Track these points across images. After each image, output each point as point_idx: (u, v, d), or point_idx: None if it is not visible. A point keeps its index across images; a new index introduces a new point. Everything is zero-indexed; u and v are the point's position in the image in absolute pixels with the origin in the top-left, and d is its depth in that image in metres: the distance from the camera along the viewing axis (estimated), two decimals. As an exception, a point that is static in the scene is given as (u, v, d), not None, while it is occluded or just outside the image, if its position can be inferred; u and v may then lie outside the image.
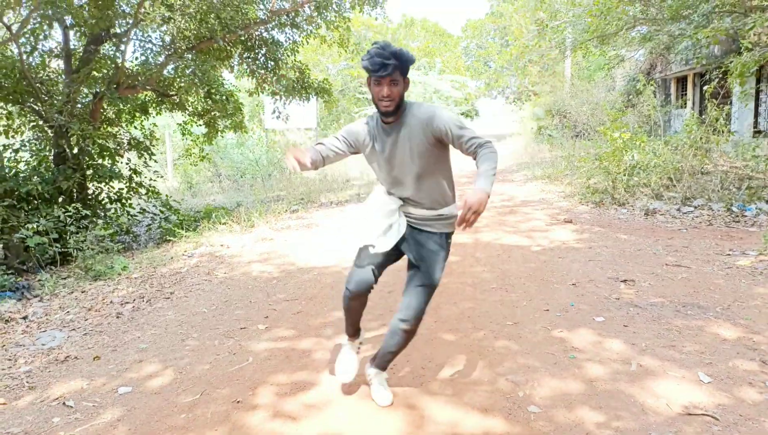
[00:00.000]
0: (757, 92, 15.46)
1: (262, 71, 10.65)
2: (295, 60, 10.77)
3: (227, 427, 2.62)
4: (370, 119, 2.61)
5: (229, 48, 10.05)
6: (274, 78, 10.61)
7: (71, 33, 9.12)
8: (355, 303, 2.73)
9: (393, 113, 2.44)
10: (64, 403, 2.91)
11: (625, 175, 9.01)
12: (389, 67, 2.33)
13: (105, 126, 9.63)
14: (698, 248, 5.70)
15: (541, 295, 4.39)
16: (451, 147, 2.53)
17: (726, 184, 8.74)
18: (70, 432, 2.62)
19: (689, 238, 6.18)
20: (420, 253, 2.62)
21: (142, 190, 9.57)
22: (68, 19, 8.44)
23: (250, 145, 17.90)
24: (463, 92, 24.89)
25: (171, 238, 7.64)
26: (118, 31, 9.34)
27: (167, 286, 5.17)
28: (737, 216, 7.22)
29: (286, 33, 10.88)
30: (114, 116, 10.12)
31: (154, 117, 11.03)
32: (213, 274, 5.53)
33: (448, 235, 2.68)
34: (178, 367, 3.33)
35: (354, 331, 2.93)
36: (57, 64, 9.54)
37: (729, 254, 5.41)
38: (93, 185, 9.07)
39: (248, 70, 10.71)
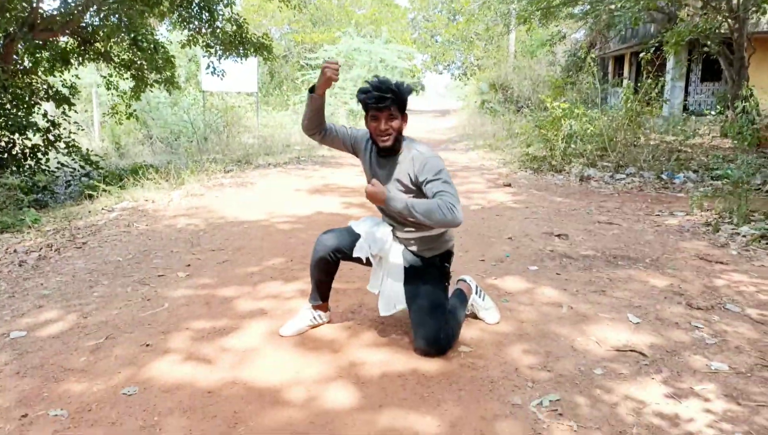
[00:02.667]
0: (688, 73, 16.12)
1: (196, 22, 10.01)
2: (232, 11, 10.18)
3: (132, 370, 2.37)
4: (369, 142, 2.54)
5: (159, -6, 9.35)
6: (209, 30, 10.00)
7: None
8: (316, 270, 2.65)
9: (391, 149, 2.40)
10: (-58, 349, 2.56)
11: (562, 143, 9.13)
12: (387, 100, 2.28)
13: (21, 76, 8.81)
14: (629, 210, 5.82)
15: (477, 247, 4.32)
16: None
17: (656, 155, 9.02)
18: (-54, 377, 2.30)
19: (621, 202, 6.31)
20: (413, 277, 2.55)
21: (61, 145, 8.84)
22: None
23: (185, 105, 17.01)
24: (410, 64, 24.66)
25: (92, 193, 7.08)
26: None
27: (80, 237, 4.75)
28: (666, 183, 7.45)
29: (222, -18, 10.24)
30: (31, 65, 9.26)
31: (77, 68, 10.19)
32: (133, 226, 5.14)
33: (446, 259, 2.67)
34: (83, 312, 3.02)
35: (319, 297, 2.74)
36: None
37: (658, 215, 5.54)
38: (4, 136, 8.30)
39: (180, 20, 10.03)
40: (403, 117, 2.39)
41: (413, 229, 2.53)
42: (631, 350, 2.53)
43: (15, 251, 4.28)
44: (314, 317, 2.76)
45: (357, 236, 2.56)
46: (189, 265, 3.89)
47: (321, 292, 2.72)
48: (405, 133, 2.49)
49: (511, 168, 9.17)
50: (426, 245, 2.57)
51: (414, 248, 2.58)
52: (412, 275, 2.55)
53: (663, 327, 2.79)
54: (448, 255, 2.67)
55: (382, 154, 2.45)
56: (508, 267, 3.81)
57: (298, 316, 2.76)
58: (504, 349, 2.55)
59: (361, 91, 2.32)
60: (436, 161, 2.34)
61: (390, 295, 2.53)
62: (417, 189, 2.39)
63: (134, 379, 2.30)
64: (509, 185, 7.49)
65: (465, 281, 2.84)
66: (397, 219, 2.53)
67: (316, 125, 2.54)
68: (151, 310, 3.05)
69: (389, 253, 2.56)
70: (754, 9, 10.52)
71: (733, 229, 4.80)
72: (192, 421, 1.99)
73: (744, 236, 4.56)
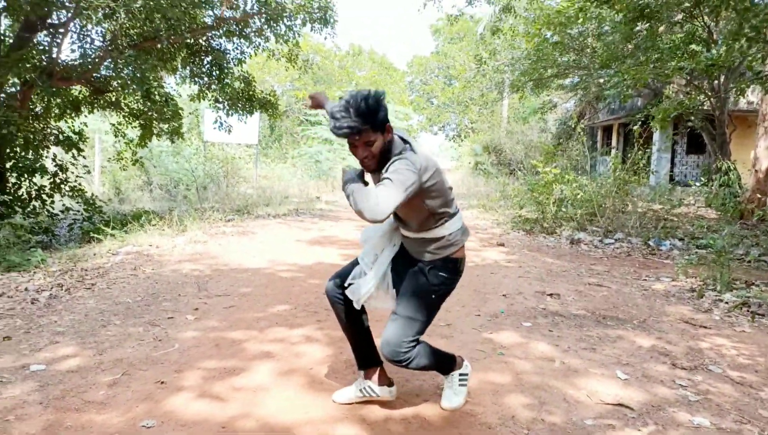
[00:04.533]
0: (674, 145, 16.83)
1: (206, 78, 10.49)
2: (241, 70, 10.68)
3: (149, 405, 2.50)
4: None
5: (173, 50, 9.86)
6: (219, 86, 10.46)
7: (2, 17, 8.67)
8: (334, 310, 2.52)
9: (378, 170, 2.21)
10: (-34, 378, 2.68)
11: (553, 206, 9.47)
12: (354, 130, 2.06)
13: (32, 120, 9.13)
14: (618, 273, 6.05)
15: (473, 302, 4.50)
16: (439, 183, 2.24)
17: (644, 222, 9.36)
18: (-28, 404, 2.42)
19: (610, 265, 6.55)
20: (401, 278, 2.40)
21: (66, 188, 9.07)
22: (1, 3, 8.04)
23: (186, 155, 17.40)
24: (407, 124, 25.48)
25: (96, 236, 7.24)
26: (55, 21, 8.97)
27: (89, 278, 4.89)
28: (653, 249, 7.73)
29: (234, 42, 10.81)
30: (42, 111, 9.61)
31: (86, 116, 10.56)
32: (140, 270, 5.30)
33: (441, 267, 2.34)
34: (98, 349, 3.15)
35: (360, 361, 2.56)
36: (-17, 48, 9.00)
37: (645, 279, 5.77)
38: (14, 178, 8.51)
39: (191, 76, 10.51)
40: (385, 131, 2.15)
41: (412, 228, 2.33)
42: (620, 404, 2.69)
43: (26, 290, 4.41)
44: (364, 389, 2.52)
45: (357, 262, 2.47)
46: (197, 308, 4.04)
47: (359, 352, 2.54)
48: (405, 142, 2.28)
49: (504, 228, 9.46)
50: (422, 247, 2.34)
51: (411, 249, 2.40)
52: (402, 276, 2.40)
53: (649, 384, 2.96)
54: (448, 262, 2.35)
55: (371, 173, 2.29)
56: (502, 322, 3.99)
57: (350, 386, 2.61)
58: (500, 398, 2.70)
59: (330, 123, 2.13)
60: (402, 163, 2.09)
61: (360, 281, 2.38)
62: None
63: (152, 413, 2.43)
64: (502, 245, 7.74)
65: (463, 360, 2.65)
66: (398, 219, 2.39)
67: None
68: (163, 349, 3.19)
69: (386, 244, 2.45)
70: (733, 88, 11.21)
71: (716, 295, 5.03)
72: (210, 453, 2.11)
73: (726, 303, 4.78)
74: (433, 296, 2.34)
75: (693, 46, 9.34)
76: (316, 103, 2.87)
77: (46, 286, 4.53)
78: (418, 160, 2.13)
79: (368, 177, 2.32)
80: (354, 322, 2.51)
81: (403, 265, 2.41)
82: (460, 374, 2.58)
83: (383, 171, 2.13)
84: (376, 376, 2.53)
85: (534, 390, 2.82)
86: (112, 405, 2.48)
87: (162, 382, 2.74)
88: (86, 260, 5.83)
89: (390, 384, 2.55)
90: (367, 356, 2.54)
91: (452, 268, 2.36)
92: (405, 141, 2.27)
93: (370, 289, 2.37)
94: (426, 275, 2.32)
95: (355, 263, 2.49)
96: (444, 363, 2.50)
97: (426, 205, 2.22)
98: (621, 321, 4.14)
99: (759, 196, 10.64)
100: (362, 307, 2.45)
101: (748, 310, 4.55)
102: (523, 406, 2.63)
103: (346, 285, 2.43)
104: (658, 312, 4.47)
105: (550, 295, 4.86)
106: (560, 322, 4.05)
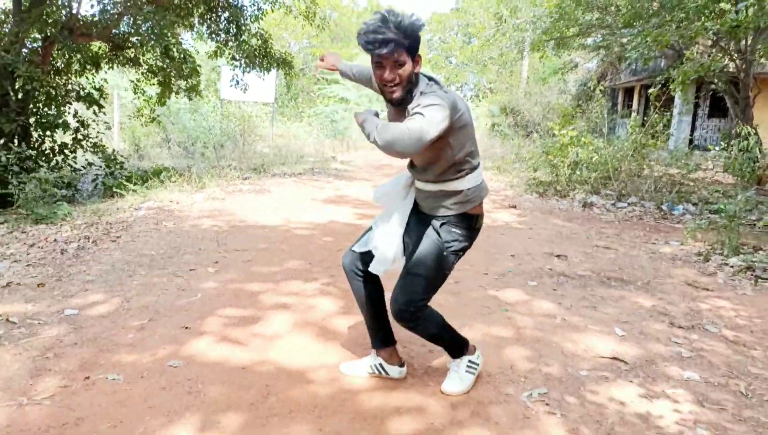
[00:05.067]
0: (695, 108, 16.49)
1: (223, 35, 10.48)
2: (259, 27, 10.64)
3: (175, 347, 2.71)
4: None
5: (190, 6, 9.84)
6: (236, 43, 10.46)
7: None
8: (351, 284, 2.41)
9: (400, 101, 2.02)
10: (7, 319, 2.91)
11: (568, 169, 9.47)
12: (390, 44, 1.87)
13: (53, 75, 9.26)
14: (627, 237, 6.13)
15: (482, 262, 4.65)
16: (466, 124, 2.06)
17: (659, 186, 9.34)
18: (15, 343, 2.65)
19: (620, 229, 6.62)
20: (412, 236, 2.28)
21: (88, 144, 9.28)
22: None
23: (204, 112, 17.50)
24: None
25: (119, 191, 7.48)
26: (74, -25, 8.99)
27: (114, 232, 5.12)
28: (666, 214, 7.76)
29: (250, -2, 10.74)
30: (63, 66, 9.73)
31: (106, 72, 10.68)
32: (161, 224, 5.51)
33: (455, 223, 2.19)
34: (126, 297, 3.37)
35: (375, 340, 2.47)
36: (4, 2, 9.10)
37: (654, 243, 5.85)
38: (37, 133, 8.73)
39: (209, 32, 10.51)
40: (416, 59, 1.99)
41: (429, 180, 2.18)
42: (615, 358, 2.84)
43: (55, 241, 4.65)
44: (374, 366, 2.46)
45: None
46: (217, 261, 4.24)
47: (375, 331, 2.45)
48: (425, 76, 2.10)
49: (517, 190, 9.51)
50: (438, 202, 2.19)
51: (427, 204, 2.25)
52: (413, 235, 2.28)
53: (646, 341, 3.10)
54: (464, 219, 2.21)
55: (394, 105, 2.08)
56: (509, 281, 4.14)
57: (361, 360, 2.55)
58: (502, 350, 2.87)
59: (360, 33, 1.93)
60: (432, 98, 1.92)
61: (384, 248, 2.23)
62: None
63: (177, 354, 2.64)
64: (515, 207, 7.82)
65: (476, 349, 2.53)
66: (416, 168, 2.23)
67: (367, 84, 2.53)
68: (186, 298, 3.40)
69: (399, 202, 2.32)
70: (760, 50, 10.91)
71: (722, 259, 5.11)
72: (231, 390, 2.32)
73: (732, 267, 4.86)
74: (445, 253, 2.17)
75: (721, 5, 9.08)
76: (330, 64, 2.73)
77: (73, 238, 4.76)
78: (448, 96, 1.96)
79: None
80: (372, 299, 2.38)
81: (415, 225, 2.28)
82: (470, 361, 2.44)
83: (409, 107, 1.95)
84: (388, 355, 2.46)
85: (534, 343, 2.98)
86: (140, 347, 2.69)
87: (186, 327, 2.94)
88: (110, 214, 6.06)
89: (401, 364, 2.48)
90: (383, 335, 2.45)
91: (467, 224, 2.21)
92: (431, 79, 2.09)
93: (397, 254, 2.23)
94: (438, 231, 2.18)
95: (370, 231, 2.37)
96: (454, 342, 2.41)
97: (451, 147, 2.03)
98: (625, 282, 4.26)
99: (778, 161, 10.50)
100: (380, 283, 2.39)
101: (752, 274, 4.63)
102: (523, 358, 2.79)
103: (365, 251, 2.31)
104: (663, 274, 4.57)
105: (558, 256, 4.98)
106: (565, 282, 4.18)
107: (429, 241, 2.19)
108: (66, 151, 8.94)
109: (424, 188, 2.22)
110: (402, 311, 2.16)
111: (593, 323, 3.33)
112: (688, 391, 2.53)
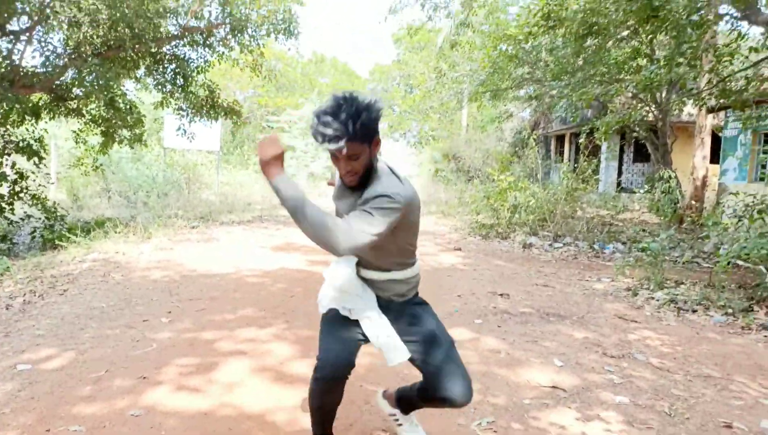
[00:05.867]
0: (621, 154, 17.75)
1: (170, 86, 10.58)
2: (206, 78, 10.83)
3: (134, 397, 2.74)
4: None
5: (137, 59, 9.93)
6: (182, 94, 10.58)
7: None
8: (330, 397, 2.09)
9: (359, 188, 1.93)
10: (-44, 378, 2.86)
11: (508, 212, 9.99)
12: (340, 140, 1.75)
13: (-13, 126, 9.05)
14: (564, 275, 6.54)
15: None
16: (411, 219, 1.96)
17: (591, 227, 9.98)
18: (-33, 400, 2.61)
19: (557, 267, 7.05)
20: (411, 320, 2.11)
21: (27, 196, 9.03)
22: (-40, 9, 8.00)
23: (147, 161, 17.28)
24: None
25: (60, 244, 7.30)
26: (15, 28, 8.95)
27: (60, 285, 5.03)
28: (597, 253, 8.30)
29: (198, 51, 10.94)
30: (1, 117, 9.52)
31: (46, 122, 10.50)
32: (109, 276, 5.45)
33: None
34: (80, 350, 3.35)
35: (319, 429, 2.21)
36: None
37: (587, 280, 6.27)
38: (-30, 185, 8.44)
39: (155, 84, 10.59)
40: (374, 142, 1.87)
41: (391, 266, 2.04)
42: (554, 387, 3.09)
43: (-2, 296, 4.53)
44: None
45: (341, 324, 2.08)
46: (170, 311, 4.26)
47: (328, 423, 2.21)
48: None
49: (461, 233, 9.91)
50: (404, 288, 2.10)
51: (398, 290, 2.09)
52: (412, 318, 2.11)
53: (581, 370, 3.38)
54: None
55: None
56: (456, 320, 4.37)
57: None
58: (451, 385, 3.06)
59: (312, 127, 1.80)
60: (382, 200, 1.80)
61: (389, 342, 2.03)
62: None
63: (137, 404, 2.67)
64: (459, 249, 8.16)
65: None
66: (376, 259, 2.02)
67: None
68: (141, 349, 3.42)
69: (360, 293, 2.06)
70: (675, 102, 12.03)
71: (649, 294, 5.55)
72: (194, 434, 2.39)
73: (657, 300, 5.30)
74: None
75: (638, 61, 10.03)
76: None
77: (17, 293, 4.65)
78: (405, 192, 1.86)
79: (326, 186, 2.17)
80: (338, 399, 2.13)
81: (397, 310, 2.09)
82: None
83: (360, 198, 1.87)
84: None
85: (481, 377, 3.19)
86: (99, 398, 2.71)
87: (144, 377, 2.98)
88: (53, 267, 5.93)
89: None
90: (329, 424, 2.22)
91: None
92: (391, 170, 1.99)
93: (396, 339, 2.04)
94: (425, 304, 2.20)
95: (345, 330, 2.07)
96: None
97: (397, 238, 1.94)
98: (562, 317, 4.58)
99: (695, 202, 11.46)
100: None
101: (675, 307, 5.07)
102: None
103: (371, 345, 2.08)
104: (595, 309, 4.93)
105: (501, 295, 5.28)
106: (508, 319, 4.45)
107: (431, 315, 2.16)
108: (2, 204, 8.66)
109: (394, 278, 2.06)
110: (471, 392, 2.09)
111: (534, 356, 3.58)
112: (619, 413, 2.79)
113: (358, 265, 2.05)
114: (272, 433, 2.45)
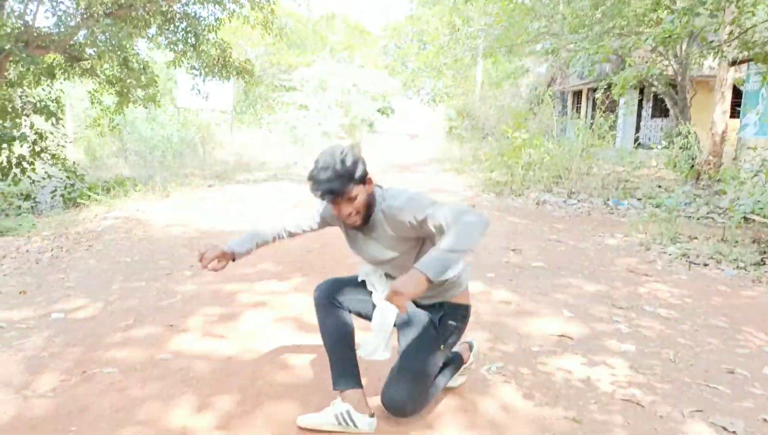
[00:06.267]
0: (639, 109, 17.42)
1: (181, 45, 10.54)
2: (217, 37, 10.76)
3: (162, 343, 2.90)
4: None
5: (147, 17, 9.88)
6: (194, 53, 10.54)
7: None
8: (322, 313, 2.27)
9: (365, 223, 2.08)
10: (-5, 325, 3.04)
11: (522, 170, 9.97)
12: (334, 193, 1.96)
13: (6, 88, 9.15)
14: (577, 231, 6.59)
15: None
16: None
17: (606, 183, 9.94)
18: (8, 344, 2.79)
19: (571, 224, 7.09)
20: (406, 325, 2.21)
21: (47, 156, 9.20)
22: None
23: (161, 121, 17.36)
24: (381, 88, 25.57)
25: (82, 202, 7.49)
26: (27, -13, 8.93)
27: (85, 241, 5.21)
28: (612, 209, 8.31)
29: (208, 9, 10.84)
30: (16, 78, 9.61)
31: (61, 83, 10.58)
32: (131, 233, 5.63)
33: (452, 315, 2.20)
34: (108, 301, 3.53)
35: (338, 374, 2.20)
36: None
37: (600, 236, 6.31)
38: (-8, 146, 8.61)
39: (167, 43, 10.56)
40: (366, 183, 2.04)
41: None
42: (563, 335, 3.20)
43: (27, 251, 4.73)
44: (341, 415, 2.10)
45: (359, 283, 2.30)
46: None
47: (339, 364, 2.22)
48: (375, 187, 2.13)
49: (475, 191, 9.94)
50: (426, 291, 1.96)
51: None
52: (407, 324, 2.21)
53: (590, 320, 3.48)
54: (459, 309, 2.23)
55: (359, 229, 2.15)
56: (469, 274, 4.46)
57: (321, 412, 2.17)
58: (464, 334, 3.18)
59: (310, 182, 2.01)
60: (401, 201, 2.01)
61: (379, 338, 2.06)
62: (404, 233, 2.07)
63: (166, 349, 2.84)
64: (473, 206, 8.22)
65: (471, 347, 2.54)
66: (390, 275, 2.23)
67: (290, 237, 2.49)
68: (167, 300, 3.58)
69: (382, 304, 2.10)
70: (695, 55, 11.72)
71: (661, 248, 5.59)
72: (221, 377, 2.55)
73: (669, 255, 5.35)
74: (442, 347, 2.18)
75: (659, 13, 9.76)
76: (215, 265, 2.42)
77: (45, 248, 4.84)
78: (400, 192, 2.09)
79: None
80: (341, 327, 2.24)
81: (408, 311, 2.20)
82: (464, 368, 2.48)
83: (399, 224, 2.02)
84: (356, 399, 2.14)
85: (492, 327, 3.30)
86: (129, 344, 2.88)
87: (171, 325, 3.14)
88: (76, 225, 6.12)
89: (371, 414, 2.15)
90: (351, 373, 2.19)
91: (461, 316, 2.24)
92: (383, 190, 2.16)
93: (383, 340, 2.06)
94: (436, 325, 2.17)
95: (354, 282, 2.31)
96: (449, 375, 2.37)
97: (423, 245, 2.11)
98: (573, 271, 4.66)
99: (713, 158, 11.31)
100: (349, 310, 2.29)
101: (687, 261, 5.12)
102: (483, 339, 3.11)
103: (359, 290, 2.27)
104: (607, 263, 5.00)
105: (513, 250, 5.36)
106: (519, 272, 4.55)
107: (428, 339, 2.16)
108: (24, 164, 8.85)
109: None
110: (404, 412, 2.11)
111: (544, 307, 3.69)
112: (624, 359, 2.89)
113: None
114: (292, 375, 2.60)
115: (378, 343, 2.04)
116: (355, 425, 2.09)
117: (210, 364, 2.67)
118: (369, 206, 2.06)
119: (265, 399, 2.36)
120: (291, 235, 2.45)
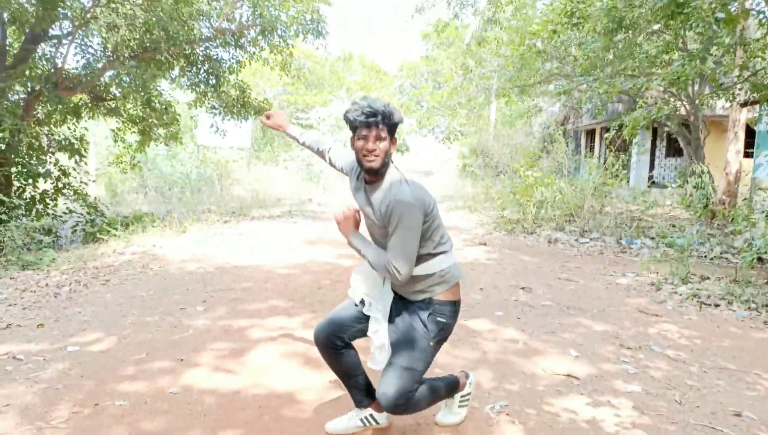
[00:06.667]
0: (653, 148, 17.47)
1: (203, 86, 10.93)
2: (237, 78, 11.14)
3: (173, 377, 2.97)
4: (357, 169, 2.36)
5: (171, 60, 10.29)
6: (215, 94, 10.91)
7: (7, 29, 9.08)
8: (330, 362, 2.39)
9: (377, 172, 2.20)
10: (13, 357, 3.14)
11: (534, 208, 10.02)
12: (377, 116, 2.13)
13: (34, 126, 9.53)
14: (588, 270, 6.58)
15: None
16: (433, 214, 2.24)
17: (619, 222, 9.93)
18: (25, 377, 2.88)
19: (582, 262, 7.08)
20: (395, 322, 2.30)
21: (69, 192, 9.49)
22: (6, 15, 8.44)
23: (181, 158, 17.82)
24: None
25: (101, 237, 7.68)
26: (58, 32, 9.40)
27: (102, 275, 5.35)
28: (624, 248, 8.29)
29: (229, 52, 11.26)
30: (44, 117, 10.01)
31: (86, 121, 10.98)
32: (148, 268, 5.76)
33: (439, 312, 2.26)
34: (122, 335, 3.62)
35: (360, 396, 2.45)
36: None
37: (612, 275, 6.31)
38: (18, 183, 8.92)
39: (189, 84, 10.96)
40: (392, 140, 2.21)
41: None
42: (569, 375, 3.20)
43: (47, 285, 4.87)
44: (365, 419, 2.47)
45: (352, 306, 2.39)
46: (205, 300, 4.51)
47: (358, 390, 2.44)
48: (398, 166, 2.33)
49: (487, 229, 9.99)
50: (414, 285, 2.25)
51: (402, 290, 2.31)
52: (396, 321, 2.30)
53: (597, 360, 3.48)
54: (445, 305, 2.28)
55: (367, 180, 2.27)
56: (477, 312, 4.50)
57: (344, 419, 2.50)
58: (470, 371, 3.20)
59: (349, 110, 2.18)
60: (402, 208, 2.10)
61: (380, 343, 2.26)
62: (384, 223, 2.19)
63: (176, 383, 2.90)
64: (485, 244, 8.26)
65: (466, 376, 2.60)
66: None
67: (317, 153, 2.76)
68: (179, 334, 3.66)
69: (380, 294, 2.33)
70: (706, 96, 11.83)
71: (672, 288, 5.57)
72: (228, 410, 2.60)
73: (680, 295, 5.32)
74: (432, 344, 2.24)
75: (671, 55, 9.92)
76: (276, 124, 2.86)
77: (64, 283, 4.98)
78: (417, 193, 2.17)
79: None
80: (352, 365, 2.39)
81: (395, 308, 2.32)
82: (462, 396, 2.56)
83: (386, 214, 2.15)
84: (376, 406, 2.46)
85: (498, 365, 3.32)
86: (141, 377, 2.95)
87: (182, 360, 3.21)
88: (95, 259, 6.27)
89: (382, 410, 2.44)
90: (366, 390, 2.45)
91: (450, 312, 2.29)
92: (401, 175, 2.28)
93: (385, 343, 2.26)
94: (424, 322, 2.23)
95: (351, 307, 2.38)
96: (447, 391, 2.47)
97: (423, 238, 2.19)
98: (582, 310, 4.66)
99: (727, 197, 11.26)
100: (350, 342, 2.39)
101: (698, 301, 5.09)
102: (488, 378, 3.13)
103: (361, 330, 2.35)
104: (617, 303, 4.99)
105: (523, 288, 5.38)
106: (528, 311, 4.56)
107: (416, 334, 2.22)
108: (47, 200, 9.14)
109: None
110: (396, 405, 2.16)
111: (551, 347, 3.70)
112: (630, 400, 2.89)
113: None
114: (300, 409, 2.64)
115: (382, 353, 2.25)
116: (378, 423, 2.47)
117: (218, 398, 2.73)
118: (387, 159, 2.21)
119: (270, 434, 2.40)
120: (321, 153, 2.74)
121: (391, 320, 2.30)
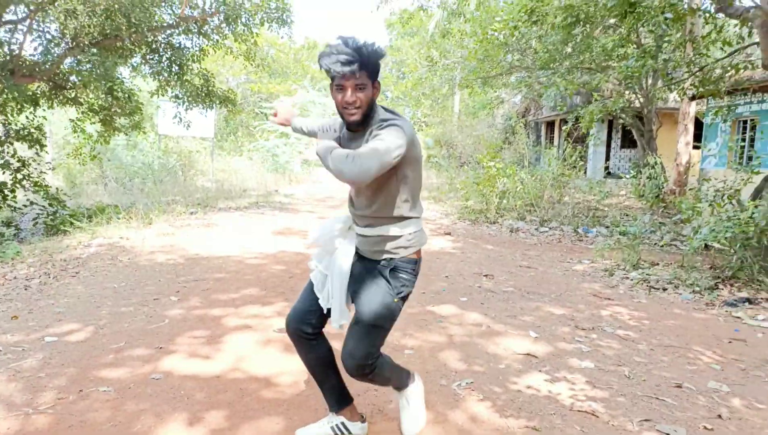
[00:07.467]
0: (608, 140, 18.11)
1: (166, 74, 10.79)
2: (201, 67, 11.03)
3: (153, 364, 3.08)
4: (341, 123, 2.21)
5: (133, 48, 10.12)
6: (178, 82, 10.79)
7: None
8: (302, 354, 2.27)
9: (360, 124, 2.02)
10: (-9, 348, 3.18)
11: (497, 198, 10.34)
12: (353, 64, 1.89)
13: (-14, 115, 9.27)
14: (547, 257, 6.91)
15: (419, 284, 5.18)
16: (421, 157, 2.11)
17: (576, 212, 10.36)
18: (5, 366, 2.94)
19: (542, 250, 7.41)
20: (358, 282, 2.16)
21: (29, 184, 9.28)
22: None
23: (142, 148, 17.48)
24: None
25: (65, 229, 7.59)
26: (13, 17, 9.12)
27: (71, 268, 5.34)
28: (581, 236, 8.68)
29: (192, 40, 11.14)
30: (0, 105, 9.71)
31: (44, 110, 10.69)
32: (117, 260, 5.76)
33: (401, 269, 2.13)
34: (98, 325, 3.68)
35: (333, 402, 2.34)
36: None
37: (569, 262, 6.64)
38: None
39: (151, 72, 10.80)
40: (375, 85, 2.00)
41: (370, 224, 2.13)
42: (528, 354, 3.45)
43: (15, 278, 4.84)
44: (335, 427, 2.31)
45: (311, 290, 2.26)
46: (178, 291, 4.59)
47: (331, 392, 2.33)
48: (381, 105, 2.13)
49: (451, 219, 10.26)
50: (380, 246, 2.13)
51: (367, 248, 2.16)
52: (359, 280, 2.16)
53: (554, 340, 3.74)
54: (408, 263, 2.15)
55: (352, 129, 2.08)
56: (443, 298, 4.72)
57: (318, 423, 2.38)
58: (437, 353, 3.42)
59: (323, 55, 1.92)
60: (391, 126, 1.93)
61: (337, 304, 2.15)
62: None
63: (157, 369, 3.01)
64: (449, 234, 8.51)
65: (415, 374, 2.49)
66: (357, 204, 2.18)
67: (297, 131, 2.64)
68: (155, 324, 3.75)
69: (337, 252, 2.19)
70: (658, 90, 12.37)
71: (624, 274, 5.93)
72: (209, 394, 2.73)
73: (631, 280, 5.68)
74: (395, 300, 2.12)
75: (626, 49, 10.34)
76: (283, 119, 2.65)
77: (32, 275, 4.96)
78: (408, 125, 1.98)
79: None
80: (324, 361, 2.28)
81: (358, 269, 2.18)
82: (412, 391, 2.43)
83: (368, 133, 2.00)
84: (349, 413, 2.34)
85: (464, 347, 3.55)
86: (122, 365, 3.05)
87: (160, 347, 3.31)
88: (61, 252, 6.23)
89: (363, 419, 2.38)
90: (339, 394, 2.34)
91: (412, 269, 2.17)
92: (389, 110, 2.11)
93: (347, 302, 2.17)
94: (388, 279, 2.11)
95: (310, 291, 2.26)
96: (402, 376, 2.38)
97: (398, 179, 2.02)
98: (541, 295, 4.94)
99: (678, 187, 11.86)
100: (327, 340, 2.31)
101: (647, 285, 5.45)
102: (454, 358, 3.35)
103: (316, 308, 2.23)
104: (573, 288, 5.30)
105: (486, 275, 5.64)
106: (491, 297, 4.81)
107: (380, 291, 2.10)
108: (5, 191, 8.92)
109: (364, 233, 2.17)
110: (362, 367, 2.09)
111: (513, 329, 3.95)
112: (583, 375, 3.15)
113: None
114: (279, 391, 2.80)
115: (339, 308, 2.13)
116: (350, 432, 2.33)
117: (199, 383, 2.85)
118: (370, 109, 2.01)
119: (253, 414, 2.55)
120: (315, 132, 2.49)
121: (352, 281, 2.17)
